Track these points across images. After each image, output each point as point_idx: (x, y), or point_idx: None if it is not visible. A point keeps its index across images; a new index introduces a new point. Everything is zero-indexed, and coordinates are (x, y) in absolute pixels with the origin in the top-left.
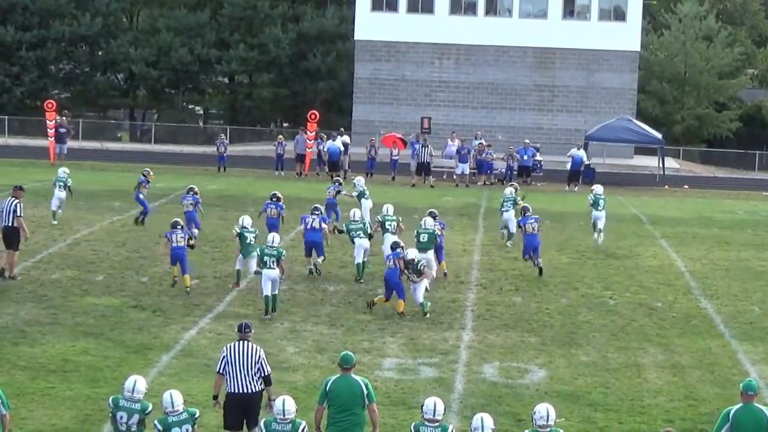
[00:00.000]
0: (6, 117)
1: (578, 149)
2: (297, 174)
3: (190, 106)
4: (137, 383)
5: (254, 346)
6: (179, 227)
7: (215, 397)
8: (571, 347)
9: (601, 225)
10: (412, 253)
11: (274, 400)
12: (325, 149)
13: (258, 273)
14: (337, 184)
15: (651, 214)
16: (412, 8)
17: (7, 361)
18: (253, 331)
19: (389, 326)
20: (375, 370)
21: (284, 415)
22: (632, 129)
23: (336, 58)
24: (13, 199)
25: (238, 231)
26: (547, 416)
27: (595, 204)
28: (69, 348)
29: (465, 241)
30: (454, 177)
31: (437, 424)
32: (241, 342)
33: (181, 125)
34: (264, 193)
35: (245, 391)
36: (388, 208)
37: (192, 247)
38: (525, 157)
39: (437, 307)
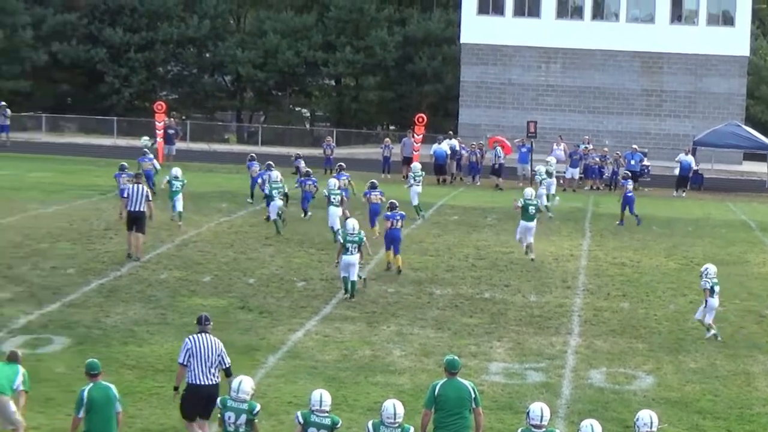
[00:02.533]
0: (115, 118)
1: (686, 154)
2: (404, 177)
3: (296, 109)
4: (242, 383)
5: (215, 339)
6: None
7: (176, 389)
8: (679, 354)
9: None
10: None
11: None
12: (431, 152)
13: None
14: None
15: (760, 221)
16: (519, 12)
17: (116, 361)
18: (212, 323)
19: (496, 330)
20: (482, 374)
21: (394, 419)
22: (741, 134)
23: (442, 62)
24: (140, 184)
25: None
26: (651, 423)
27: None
28: (177, 348)
29: (572, 246)
30: (561, 182)
31: (543, 429)
32: (202, 334)
33: (288, 127)
34: None
35: (207, 383)
36: (334, 183)
37: None
38: (632, 162)
39: (544, 311)
